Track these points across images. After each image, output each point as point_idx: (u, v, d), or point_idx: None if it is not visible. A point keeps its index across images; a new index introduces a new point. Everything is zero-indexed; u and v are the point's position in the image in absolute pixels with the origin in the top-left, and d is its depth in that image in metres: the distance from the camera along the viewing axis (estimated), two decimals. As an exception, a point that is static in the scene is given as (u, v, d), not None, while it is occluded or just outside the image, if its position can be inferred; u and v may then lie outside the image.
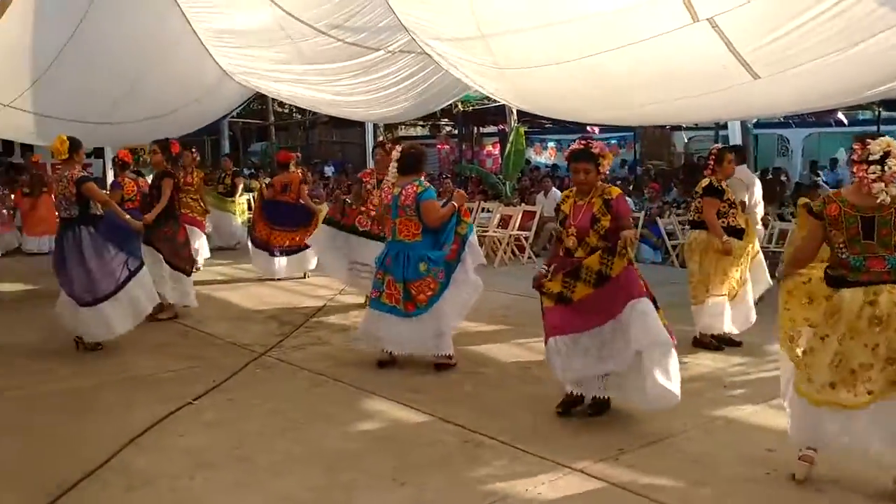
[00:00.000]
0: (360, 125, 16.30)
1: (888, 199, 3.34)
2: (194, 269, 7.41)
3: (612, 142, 22.03)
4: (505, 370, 5.51)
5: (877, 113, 16.41)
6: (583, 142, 4.42)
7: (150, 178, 7.62)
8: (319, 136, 27.35)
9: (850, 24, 4.99)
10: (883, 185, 3.33)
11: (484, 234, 10.39)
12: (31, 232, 11.74)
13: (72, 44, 9.46)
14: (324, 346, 6.15)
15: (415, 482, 3.61)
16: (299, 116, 22.95)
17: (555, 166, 20.22)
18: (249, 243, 9.34)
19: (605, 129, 19.80)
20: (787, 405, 3.66)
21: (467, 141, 24.12)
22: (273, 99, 18.00)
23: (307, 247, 8.52)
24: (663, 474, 3.66)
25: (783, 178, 14.28)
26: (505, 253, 10.49)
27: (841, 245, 3.45)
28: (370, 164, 8.21)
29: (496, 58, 7.34)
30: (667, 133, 21.18)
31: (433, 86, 9.93)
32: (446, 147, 24.49)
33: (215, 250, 10.55)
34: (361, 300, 7.52)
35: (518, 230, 10.85)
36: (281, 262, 8.95)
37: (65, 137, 5.92)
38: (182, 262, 7.00)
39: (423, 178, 5.50)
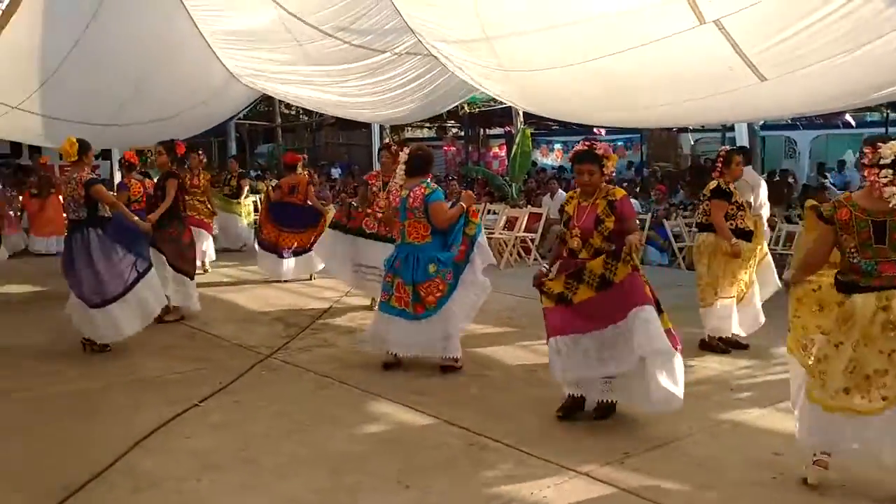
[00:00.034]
0: (367, 127, 16.33)
1: None
2: (203, 271, 7.40)
3: (619, 143, 22.03)
4: (510, 373, 5.50)
5: (885, 115, 16.32)
6: (587, 143, 4.39)
7: (156, 180, 7.64)
8: (326, 138, 27.41)
9: (858, 26, 4.98)
10: (894, 189, 3.30)
11: (490, 235, 10.35)
12: (39, 232, 11.79)
13: (79, 46, 9.51)
14: (330, 349, 6.15)
15: (420, 485, 3.61)
16: (306, 118, 23.02)
17: (561, 168, 20.21)
18: (257, 245, 9.33)
19: (611, 130, 19.81)
20: (796, 411, 3.62)
21: (473, 142, 24.15)
22: (280, 101, 18.06)
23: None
24: (669, 478, 3.65)
25: (790, 180, 14.19)
26: (511, 255, 10.47)
27: (852, 250, 3.41)
28: (376, 166, 8.22)
29: (501, 60, 7.34)
30: (673, 135, 21.16)
31: (439, 87, 9.95)
32: (452, 149, 24.49)
33: (221, 252, 10.55)
34: (367, 302, 7.54)
35: (524, 232, 10.84)
36: (289, 263, 8.94)
37: (74, 140, 5.93)
38: (186, 264, 7.00)
39: (430, 180, 5.50)
